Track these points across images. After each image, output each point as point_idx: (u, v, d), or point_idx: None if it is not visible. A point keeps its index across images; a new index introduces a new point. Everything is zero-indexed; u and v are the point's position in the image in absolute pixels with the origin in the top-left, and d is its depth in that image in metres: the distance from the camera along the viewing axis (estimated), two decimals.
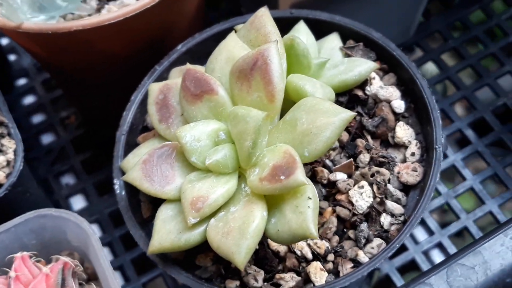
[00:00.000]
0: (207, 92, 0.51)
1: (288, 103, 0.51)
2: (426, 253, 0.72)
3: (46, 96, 0.84)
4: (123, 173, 0.55)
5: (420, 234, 0.75)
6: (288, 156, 0.46)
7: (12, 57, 0.88)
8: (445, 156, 0.76)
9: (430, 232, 0.73)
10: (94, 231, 0.53)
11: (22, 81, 0.87)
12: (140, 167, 0.51)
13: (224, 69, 0.52)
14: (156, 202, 0.54)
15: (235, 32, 0.55)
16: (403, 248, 0.72)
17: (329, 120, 0.47)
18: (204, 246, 0.53)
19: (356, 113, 0.48)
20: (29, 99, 0.85)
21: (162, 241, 0.49)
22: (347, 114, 0.47)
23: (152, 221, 0.52)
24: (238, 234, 0.46)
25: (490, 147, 0.76)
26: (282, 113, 0.50)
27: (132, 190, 0.56)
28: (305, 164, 0.55)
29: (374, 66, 0.56)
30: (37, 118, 0.84)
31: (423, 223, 0.74)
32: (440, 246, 0.72)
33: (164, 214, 0.50)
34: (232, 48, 0.53)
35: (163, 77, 0.60)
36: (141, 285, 0.72)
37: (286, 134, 0.49)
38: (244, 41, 0.54)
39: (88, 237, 0.53)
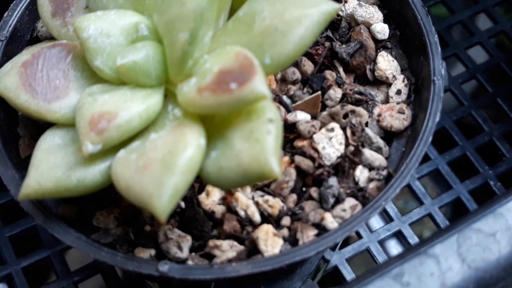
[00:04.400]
0: None
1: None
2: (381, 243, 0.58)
3: None
4: None
5: (375, 220, 0.61)
6: (243, 58, 0.31)
7: None
8: None
9: (389, 218, 0.59)
10: None
11: None
12: (17, 71, 0.34)
13: None
14: (40, 136, 0.37)
15: None
16: (356, 236, 0.58)
17: (304, 13, 0.32)
18: (106, 200, 0.37)
19: (342, 3, 0.34)
20: None
21: (43, 179, 0.32)
22: (330, 6, 0.33)
23: None
24: (160, 168, 0.30)
25: None
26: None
27: (7, 117, 0.39)
28: None
29: None
30: None
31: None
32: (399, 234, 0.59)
33: (50, 143, 0.34)
34: None
35: None
36: None
37: (239, 36, 0.34)
38: None
39: None
